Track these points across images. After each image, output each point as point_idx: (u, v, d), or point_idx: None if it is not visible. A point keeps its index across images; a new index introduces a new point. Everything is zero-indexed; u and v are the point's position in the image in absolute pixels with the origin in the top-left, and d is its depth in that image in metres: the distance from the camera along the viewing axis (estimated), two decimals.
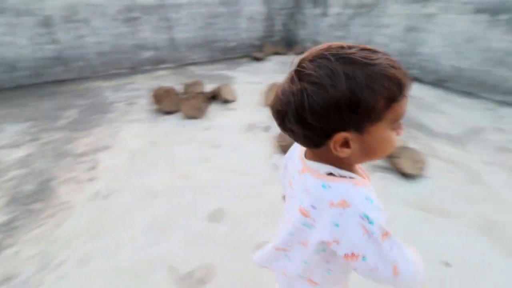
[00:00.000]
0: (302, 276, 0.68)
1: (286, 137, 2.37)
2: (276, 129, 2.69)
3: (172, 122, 2.98)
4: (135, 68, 4.81)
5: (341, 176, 0.54)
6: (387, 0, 4.46)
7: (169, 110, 3.08)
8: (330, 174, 0.55)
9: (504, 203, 1.92)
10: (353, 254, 0.51)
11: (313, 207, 0.55)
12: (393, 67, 0.45)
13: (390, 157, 2.22)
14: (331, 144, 0.49)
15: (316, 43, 5.93)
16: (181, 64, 5.19)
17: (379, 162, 2.31)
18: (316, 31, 5.80)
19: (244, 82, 4.27)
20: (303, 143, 0.55)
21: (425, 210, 1.85)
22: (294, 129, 0.51)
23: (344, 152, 0.50)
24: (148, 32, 4.67)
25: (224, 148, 2.56)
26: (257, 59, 5.52)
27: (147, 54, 4.82)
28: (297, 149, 0.66)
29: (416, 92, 3.96)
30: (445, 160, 2.40)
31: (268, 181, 2.10)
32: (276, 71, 4.88)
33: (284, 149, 2.34)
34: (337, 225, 0.51)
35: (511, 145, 2.65)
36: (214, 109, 3.30)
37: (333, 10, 5.34)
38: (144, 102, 3.51)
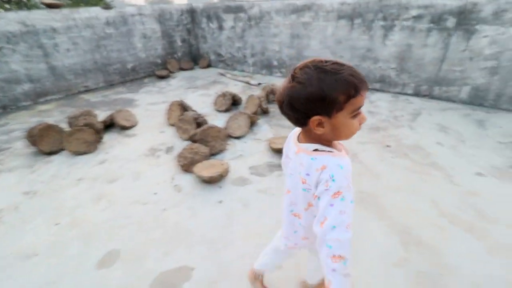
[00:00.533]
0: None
1: (186, 156, 2.33)
2: (178, 149, 2.62)
3: (56, 164, 2.58)
4: (7, 107, 4.03)
5: (323, 151, 0.77)
6: (270, 13, 4.92)
7: (51, 150, 2.66)
8: (316, 150, 0.77)
9: (374, 175, 2.30)
10: (315, 195, 0.77)
11: (307, 174, 0.78)
12: (351, 75, 0.68)
13: None
14: (311, 123, 0.72)
15: (219, 55, 6.16)
16: (71, 94, 4.59)
17: (275, 161, 2.48)
18: (217, 43, 5.96)
19: (147, 103, 4.05)
20: (294, 123, 0.78)
21: None
22: (288, 112, 0.75)
23: (320, 131, 0.73)
24: (17, 63, 3.98)
25: (122, 180, 2.34)
26: (162, 78, 5.33)
27: (22, 88, 4.10)
28: (291, 139, 0.88)
29: None
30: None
31: (169, 206, 2.00)
32: (183, 87, 4.80)
33: (185, 168, 2.29)
34: (318, 182, 0.75)
35: (380, 124, 3.23)
36: (110, 138, 3.00)
37: (227, 24, 5.59)
38: (20, 145, 2.95)
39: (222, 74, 5.52)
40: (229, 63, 5.95)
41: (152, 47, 5.53)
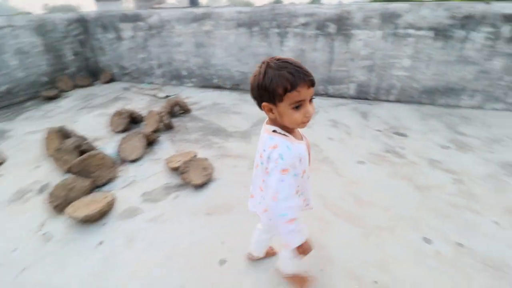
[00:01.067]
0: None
1: (59, 194, 1.97)
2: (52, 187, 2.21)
3: None
4: None
5: (279, 133, 0.93)
6: (171, 22, 4.72)
7: None
8: (274, 131, 0.94)
9: None
10: (267, 171, 0.93)
11: (264, 150, 0.95)
12: (290, 73, 0.81)
13: (181, 174, 2.27)
14: (263, 108, 0.92)
15: (122, 67, 5.64)
16: None
17: (173, 181, 2.32)
18: (118, 55, 5.44)
19: (24, 133, 3.37)
20: (257, 105, 0.95)
21: (210, 213, 1.98)
22: (252, 97, 0.94)
23: (271, 115, 0.92)
24: None
25: None
26: (50, 99, 4.56)
27: None
28: (264, 124, 1.02)
29: (219, 99, 4.43)
30: (234, 156, 2.72)
31: (31, 263, 1.63)
32: (76, 108, 4.19)
33: (59, 209, 1.93)
34: (269, 158, 0.91)
35: None
36: None
37: (126, 33, 5.15)
38: None
39: (126, 89, 5.05)
40: (135, 76, 5.50)
41: (33, 64, 4.69)
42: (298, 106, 0.85)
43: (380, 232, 1.80)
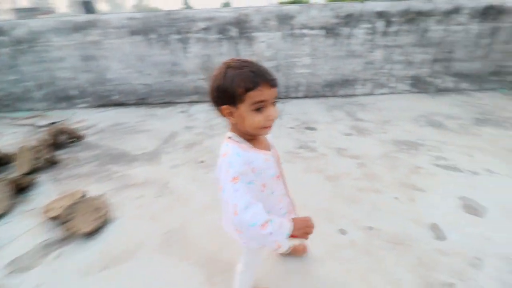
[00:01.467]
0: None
1: None
2: None
3: None
4: None
5: (234, 140, 0.86)
6: (45, 34, 3.91)
7: None
8: (230, 138, 0.87)
9: (184, 200, 2.08)
10: (220, 187, 0.82)
11: (219, 158, 0.87)
12: (252, 71, 0.77)
13: (63, 223, 1.79)
14: (222, 111, 0.83)
15: None
16: None
17: (54, 236, 1.81)
18: None
19: None
20: (216, 110, 0.86)
21: (107, 267, 1.59)
22: (211, 101, 0.85)
23: (232, 120, 0.84)
24: None
25: None
26: None
27: None
28: None
29: (121, 118, 3.88)
30: (139, 185, 2.33)
31: None
32: None
33: None
34: (220, 168, 0.84)
35: (196, 138, 3.12)
36: None
37: None
38: None
39: None
40: (6, 103, 4.38)
41: None
42: (259, 108, 0.79)
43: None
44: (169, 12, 3.77)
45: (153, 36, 3.89)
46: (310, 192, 2.10)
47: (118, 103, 4.34)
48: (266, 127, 0.82)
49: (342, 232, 1.73)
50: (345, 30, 3.93)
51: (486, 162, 2.40)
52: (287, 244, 0.85)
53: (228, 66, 0.79)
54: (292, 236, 0.85)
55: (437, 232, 1.68)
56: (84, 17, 3.82)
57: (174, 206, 2.04)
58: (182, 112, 3.96)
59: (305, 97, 4.36)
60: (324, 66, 4.15)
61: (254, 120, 0.80)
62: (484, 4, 3.85)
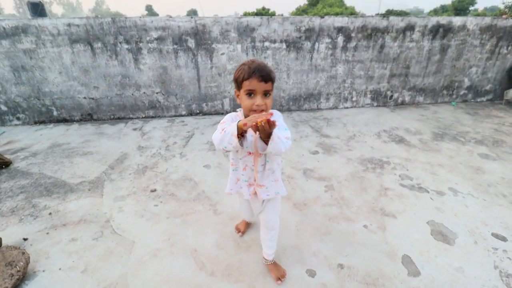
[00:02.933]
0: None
1: None
2: None
3: None
4: None
5: (238, 112, 1.21)
6: None
7: None
8: (236, 110, 1.24)
9: (128, 245, 1.73)
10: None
11: None
12: (249, 67, 1.05)
13: None
14: (235, 93, 1.16)
15: None
16: None
17: None
18: None
19: None
20: None
21: None
22: None
23: (238, 101, 1.14)
24: None
25: None
26: None
27: None
28: None
29: (63, 137, 3.35)
30: (74, 223, 1.92)
31: None
32: None
33: None
34: None
35: (149, 161, 2.76)
36: None
37: None
38: None
39: None
40: None
41: None
42: (250, 94, 1.07)
43: (265, 280, 1.49)
44: (114, 20, 3.38)
45: (98, 45, 3.45)
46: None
47: (60, 119, 3.78)
48: (254, 110, 1.07)
49: (311, 274, 1.53)
50: (307, 44, 3.88)
51: (449, 181, 2.40)
52: (234, 142, 0.99)
53: (243, 64, 1.11)
54: (243, 125, 0.95)
55: (410, 267, 1.55)
56: (12, 23, 3.26)
57: (115, 252, 1.68)
58: (135, 129, 3.55)
59: None
60: (288, 80, 4.05)
61: (245, 102, 1.09)
62: (433, 23, 4.07)
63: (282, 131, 1.07)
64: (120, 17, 3.42)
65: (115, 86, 3.68)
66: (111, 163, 2.73)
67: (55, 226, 1.91)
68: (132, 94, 3.77)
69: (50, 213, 2.03)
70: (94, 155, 2.90)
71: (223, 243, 1.73)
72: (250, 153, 1.21)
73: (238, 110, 1.22)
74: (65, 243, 1.76)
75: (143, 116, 3.92)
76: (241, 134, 1.01)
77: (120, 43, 3.47)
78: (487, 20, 4.26)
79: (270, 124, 0.92)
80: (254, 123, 0.92)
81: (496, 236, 1.79)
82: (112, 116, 3.86)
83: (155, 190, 2.28)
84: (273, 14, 31.06)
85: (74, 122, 3.80)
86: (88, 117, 3.82)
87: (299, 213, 2.01)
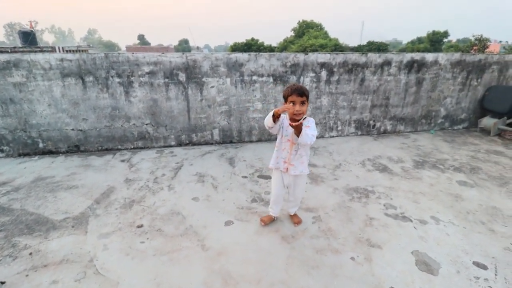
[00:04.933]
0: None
1: None
2: None
3: None
4: None
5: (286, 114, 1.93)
6: None
7: None
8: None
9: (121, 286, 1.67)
10: None
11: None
12: (289, 88, 1.76)
13: None
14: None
15: None
16: None
17: None
18: None
19: None
20: None
21: None
22: None
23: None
24: None
25: None
26: None
27: None
28: None
29: (47, 170, 3.29)
30: (56, 264, 1.84)
31: None
32: None
33: None
34: None
35: (137, 195, 2.73)
36: None
37: None
38: None
39: None
40: None
41: None
42: (292, 103, 1.72)
43: None
44: (107, 55, 3.51)
45: (89, 78, 3.54)
46: (266, 260, 1.87)
47: (45, 151, 3.73)
48: (296, 114, 1.71)
49: None
50: (293, 78, 4.10)
51: (431, 209, 2.49)
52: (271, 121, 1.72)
53: (288, 86, 1.78)
54: (277, 111, 1.65)
55: None
56: (3, 56, 3.33)
57: None
58: (123, 161, 3.54)
59: (259, 140, 4.31)
60: None
61: (289, 108, 1.68)
62: (408, 58, 4.42)
63: (312, 131, 1.78)
64: (113, 52, 3.56)
65: (104, 118, 3.72)
66: (96, 197, 2.69)
67: (35, 267, 1.83)
68: (122, 126, 3.80)
69: (30, 253, 1.95)
70: (79, 188, 2.86)
71: (210, 282, 1.70)
72: (288, 140, 1.92)
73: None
74: (45, 286, 1.69)
75: (132, 147, 3.93)
76: (277, 117, 1.68)
77: (112, 77, 3.57)
78: (457, 55, 4.67)
79: (299, 124, 1.63)
80: (284, 110, 1.65)
81: (477, 264, 1.84)
82: (100, 148, 3.85)
83: (141, 226, 2.25)
84: (261, 45, 32.65)
85: (60, 154, 3.75)
86: (75, 149, 3.79)
87: (287, 246, 2.01)
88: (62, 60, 3.41)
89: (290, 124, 1.67)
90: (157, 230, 2.20)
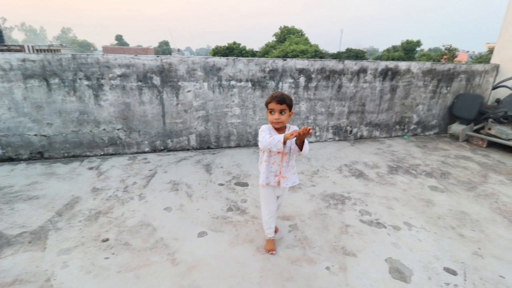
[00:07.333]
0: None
1: None
2: None
3: None
4: None
5: (268, 125, 1.82)
6: None
7: None
8: (267, 124, 1.84)
9: None
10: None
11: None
12: (271, 96, 1.69)
13: None
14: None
15: None
16: None
17: None
18: None
19: None
20: None
21: None
22: None
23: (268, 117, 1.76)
24: None
25: None
26: None
27: None
28: None
29: (6, 179, 3.01)
30: (8, 284, 1.66)
31: None
32: None
33: None
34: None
35: (103, 206, 2.55)
36: None
37: None
38: None
39: None
40: None
41: None
42: (271, 111, 1.71)
43: None
44: (75, 57, 3.30)
45: (54, 81, 3.31)
46: (239, 274, 1.79)
47: (4, 158, 3.43)
48: (274, 123, 1.72)
49: None
50: (272, 84, 4.09)
51: (403, 215, 2.53)
52: (279, 144, 1.59)
53: (270, 94, 1.72)
54: (286, 137, 1.57)
55: None
56: None
57: None
58: (91, 168, 3.32)
59: (237, 146, 4.24)
60: (254, 116, 4.16)
61: (269, 117, 1.73)
62: (383, 66, 4.56)
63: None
64: (81, 53, 3.35)
65: (71, 123, 3.49)
66: (59, 208, 2.49)
67: None
68: (90, 131, 3.58)
69: None
70: (40, 199, 2.63)
71: None
72: (279, 153, 1.79)
73: (268, 124, 1.82)
74: None
75: (102, 153, 3.71)
76: (284, 142, 1.59)
77: (80, 79, 3.36)
78: (428, 64, 4.88)
79: (309, 133, 1.53)
80: (296, 135, 1.54)
81: (447, 270, 1.87)
82: (66, 154, 3.60)
83: (107, 240, 2.09)
84: (243, 49, 32.76)
85: (21, 161, 3.47)
86: (38, 156, 3.51)
87: (261, 257, 1.95)
88: (24, 60, 3.16)
89: (296, 142, 1.68)
90: (124, 244, 2.05)
